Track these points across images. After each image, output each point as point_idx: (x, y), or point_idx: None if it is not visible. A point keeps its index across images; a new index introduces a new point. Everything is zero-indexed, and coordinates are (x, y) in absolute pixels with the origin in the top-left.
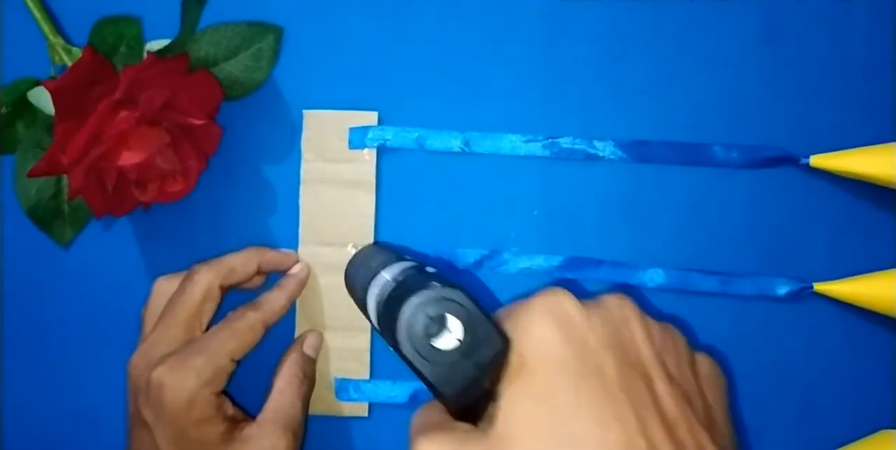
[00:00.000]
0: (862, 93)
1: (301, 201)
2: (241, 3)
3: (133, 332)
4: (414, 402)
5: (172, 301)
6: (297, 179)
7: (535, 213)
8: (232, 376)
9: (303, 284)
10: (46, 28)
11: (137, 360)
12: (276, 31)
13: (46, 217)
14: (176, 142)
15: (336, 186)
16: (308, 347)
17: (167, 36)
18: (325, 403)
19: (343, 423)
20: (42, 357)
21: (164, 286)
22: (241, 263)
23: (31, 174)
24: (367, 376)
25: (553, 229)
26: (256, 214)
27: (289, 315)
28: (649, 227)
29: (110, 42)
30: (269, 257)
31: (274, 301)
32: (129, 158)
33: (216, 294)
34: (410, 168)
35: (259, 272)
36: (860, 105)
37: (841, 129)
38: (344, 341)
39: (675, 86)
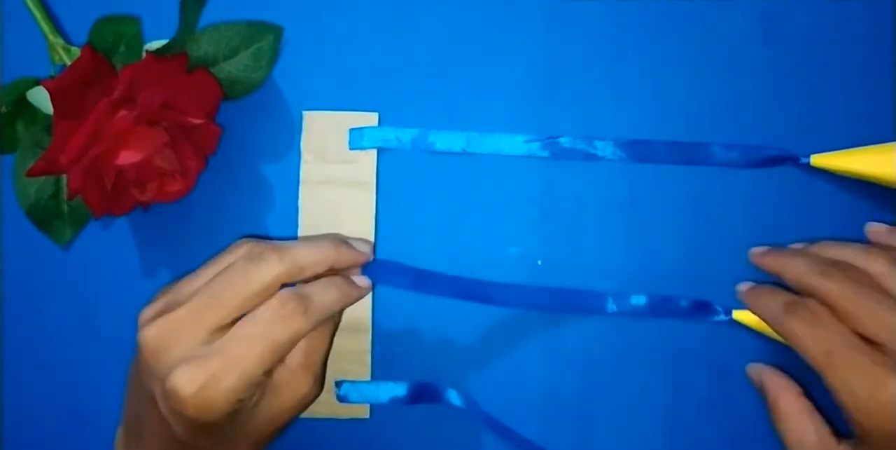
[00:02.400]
0: (862, 92)
1: (300, 202)
2: (241, 2)
3: (132, 332)
4: (416, 403)
5: (225, 280)
6: (296, 179)
7: (539, 262)
8: None
9: (357, 299)
10: (46, 27)
11: (156, 334)
12: (276, 31)
13: (46, 217)
14: (175, 141)
15: (336, 187)
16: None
17: (167, 35)
18: (325, 405)
19: (344, 425)
20: (42, 357)
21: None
22: (315, 264)
23: (30, 174)
24: (367, 377)
25: (553, 229)
26: (256, 214)
27: None
28: (649, 227)
29: (109, 41)
30: (344, 257)
31: (332, 305)
32: (127, 158)
33: (274, 292)
34: (410, 168)
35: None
36: (860, 104)
37: (841, 128)
38: (344, 341)
39: (674, 86)
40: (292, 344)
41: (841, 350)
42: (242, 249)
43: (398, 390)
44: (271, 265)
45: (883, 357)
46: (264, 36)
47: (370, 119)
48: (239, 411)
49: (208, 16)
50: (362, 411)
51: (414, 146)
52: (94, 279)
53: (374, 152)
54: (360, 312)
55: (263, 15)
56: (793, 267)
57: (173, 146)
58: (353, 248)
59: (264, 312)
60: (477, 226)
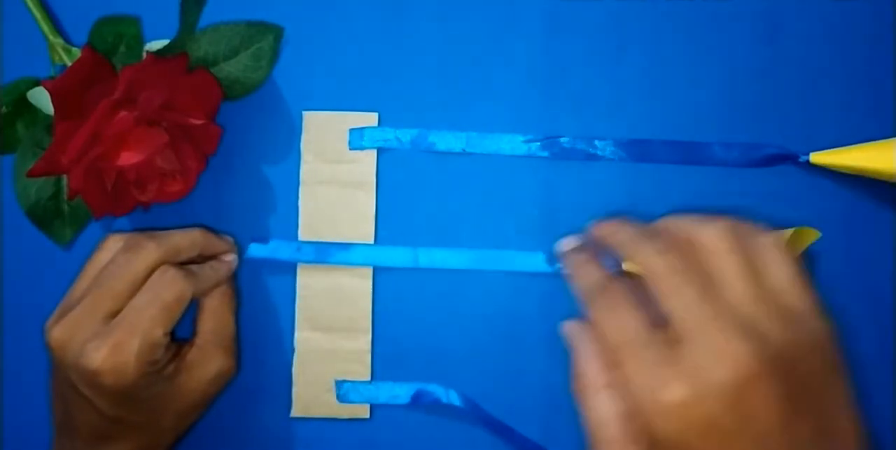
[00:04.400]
0: (861, 91)
1: (301, 202)
2: (241, 3)
3: None
4: (416, 403)
5: (110, 272)
6: (296, 179)
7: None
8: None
9: (231, 273)
10: (46, 28)
11: (61, 332)
12: (276, 31)
13: (46, 217)
14: (175, 142)
15: (336, 187)
16: (233, 259)
17: (167, 36)
18: (325, 405)
19: (344, 425)
20: (42, 357)
21: (116, 245)
22: (188, 247)
23: (31, 174)
24: (367, 378)
25: (553, 229)
26: (256, 214)
27: (288, 317)
28: None
29: (110, 42)
30: (213, 243)
31: (209, 277)
32: (128, 158)
33: None
34: (410, 168)
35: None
36: (859, 103)
37: (840, 127)
38: (344, 342)
39: (674, 85)
40: (181, 304)
41: (629, 346)
42: (118, 243)
43: (398, 390)
44: (150, 251)
45: (669, 352)
46: (264, 36)
47: (370, 119)
48: (154, 380)
49: (208, 16)
50: (362, 411)
51: (414, 146)
52: None
53: (374, 152)
54: (360, 312)
55: (263, 15)
56: (619, 235)
57: (173, 146)
58: (220, 237)
59: (149, 282)
60: (477, 226)
